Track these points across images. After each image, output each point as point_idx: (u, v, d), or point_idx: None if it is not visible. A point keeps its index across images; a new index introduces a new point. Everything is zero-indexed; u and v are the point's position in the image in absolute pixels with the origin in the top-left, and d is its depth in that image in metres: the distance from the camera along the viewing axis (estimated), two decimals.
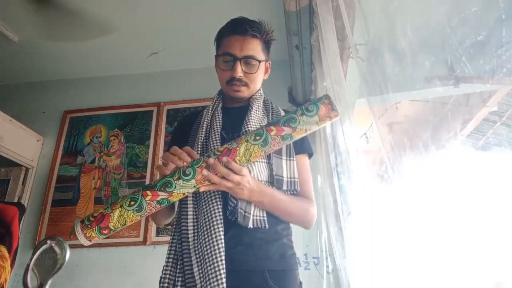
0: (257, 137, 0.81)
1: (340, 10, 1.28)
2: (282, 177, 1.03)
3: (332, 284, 1.89)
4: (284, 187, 1.02)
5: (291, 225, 1.08)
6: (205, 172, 0.82)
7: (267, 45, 1.15)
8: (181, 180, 0.81)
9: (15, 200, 2.42)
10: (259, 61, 1.09)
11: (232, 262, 0.89)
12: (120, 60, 2.78)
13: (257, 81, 1.13)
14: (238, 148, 0.82)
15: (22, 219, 2.13)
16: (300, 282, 1.02)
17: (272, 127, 0.81)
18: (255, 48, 1.09)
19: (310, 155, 1.17)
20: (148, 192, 0.80)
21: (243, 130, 1.04)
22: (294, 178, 1.04)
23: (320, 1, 1.43)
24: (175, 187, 0.81)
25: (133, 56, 2.72)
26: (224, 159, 0.81)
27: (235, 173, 0.85)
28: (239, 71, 1.08)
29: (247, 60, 1.08)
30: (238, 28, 1.09)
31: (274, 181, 1.01)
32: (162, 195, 0.80)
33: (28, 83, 2.98)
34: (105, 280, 2.20)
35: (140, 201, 0.79)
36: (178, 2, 2.22)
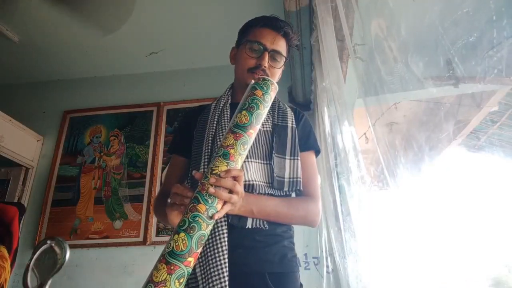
0: (245, 145, 0.83)
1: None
2: (283, 178, 1.01)
3: (332, 284, 1.89)
4: (286, 188, 1.01)
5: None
6: (211, 190, 0.76)
7: (289, 49, 1.17)
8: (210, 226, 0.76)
9: (15, 200, 2.42)
10: (285, 58, 1.12)
11: (232, 264, 0.89)
12: (120, 60, 2.78)
13: (276, 77, 1.13)
14: (236, 165, 0.82)
15: (22, 219, 2.13)
16: (301, 284, 1.01)
17: (251, 130, 0.84)
18: (283, 45, 1.12)
19: (317, 152, 1.15)
20: (190, 259, 0.71)
21: None
22: (296, 178, 1.03)
23: (320, 2, 1.43)
24: (207, 233, 0.76)
25: (133, 56, 2.72)
26: (223, 173, 0.78)
27: (236, 178, 0.80)
28: (266, 61, 1.08)
29: (275, 54, 1.10)
30: (273, 23, 1.11)
31: (274, 182, 0.99)
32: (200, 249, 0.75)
33: (28, 83, 2.98)
34: (105, 280, 2.20)
35: (188, 272, 0.72)
36: (178, 2, 2.22)
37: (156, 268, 0.70)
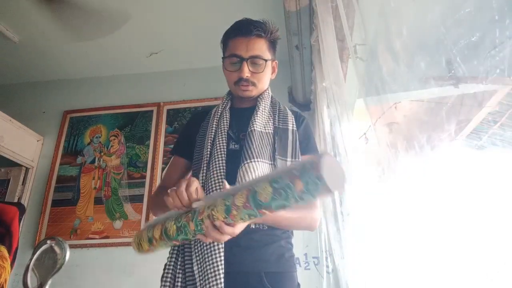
0: (252, 217, 0.74)
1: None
2: None
3: (332, 284, 1.89)
4: None
5: None
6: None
7: (272, 44, 1.15)
8: (198, 234, 0.82)
9: (15, 200, 2.42)
10: (266, 60, 1.10)
11: (229, 263, 0.89)
12: (120, 60, 2.78)
13: (264, 80, 1.14)
14: (234, 222, 0.78)
15: (22, 219, 2.13)
16: (298, 284, 1.02)
17: (265, 211, 0.72)
18: (260, 47, 1.10)
19: None
20: (176, 242, 0.85)
21: (249, 130, 1.04)
22: None
23: (320, 1, 1.43)
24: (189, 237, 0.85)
25: (133, 56, 2.72)
26: (217, 223, 0.76)
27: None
28: (246, 71, 1.08)
29: (254, 60, 1.09)
30: (243, 29, 1.10)
31: None
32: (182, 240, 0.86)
33: (28, 83, 2.98)
34: (105, 280, 2.20)
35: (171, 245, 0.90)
36: (178, 2, 2.22)
37: (156, 227, 0.86)
